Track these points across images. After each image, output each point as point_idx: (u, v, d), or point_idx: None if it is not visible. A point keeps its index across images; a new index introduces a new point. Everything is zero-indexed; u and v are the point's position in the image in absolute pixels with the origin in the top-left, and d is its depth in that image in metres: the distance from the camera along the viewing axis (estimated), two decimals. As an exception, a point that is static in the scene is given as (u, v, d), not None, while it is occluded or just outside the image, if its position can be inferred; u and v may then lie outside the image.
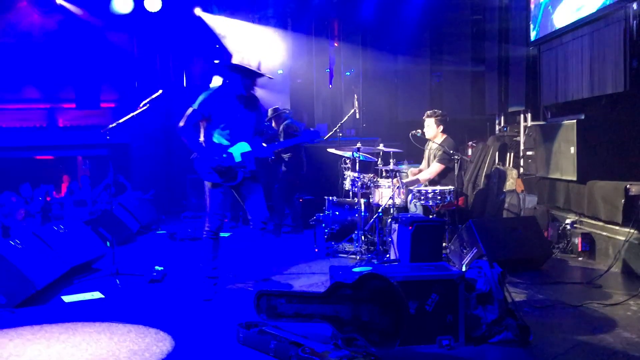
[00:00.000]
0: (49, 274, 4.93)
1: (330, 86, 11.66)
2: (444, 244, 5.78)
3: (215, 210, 4.78)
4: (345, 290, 3.45)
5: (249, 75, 4.80)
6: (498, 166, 8.12)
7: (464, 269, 5.23)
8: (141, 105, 5.49)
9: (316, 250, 6.44)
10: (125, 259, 6.20)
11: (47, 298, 4.80)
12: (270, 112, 7.97)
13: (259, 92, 5.10)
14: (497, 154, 8.33)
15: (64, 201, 9.73)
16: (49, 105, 11.42)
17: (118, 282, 5.23)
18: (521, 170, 7.95)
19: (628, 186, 5.23)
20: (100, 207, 9.13)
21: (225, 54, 11.03)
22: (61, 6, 9.46)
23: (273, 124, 7.97)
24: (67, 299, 4.82)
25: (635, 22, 5.49)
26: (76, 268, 5.44)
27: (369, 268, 3.89)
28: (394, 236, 5.55)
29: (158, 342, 3.74)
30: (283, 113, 8.06)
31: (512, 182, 7.69)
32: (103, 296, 4.89)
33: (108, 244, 6.15)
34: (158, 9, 9.67)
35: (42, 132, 11.31)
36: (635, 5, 5.44)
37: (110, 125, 5.47)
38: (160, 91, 5.51)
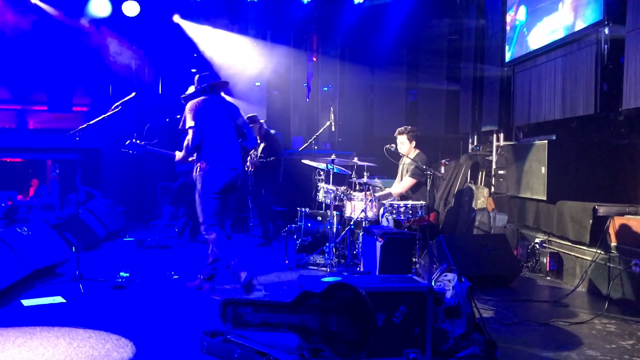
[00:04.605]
0: (9, 277, 4.76)
1: (308, 100, 11.68)
2: (414, 260, 5.78)
3: None
4: (313, 300, 3.40)
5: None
6: (470, 184, 8.18)
7: (433, 284, 5.22)
8: (113, 107, 5.41)
9: (287, 262, 6.37)
10: (90, 264, 6.08)
11: (6, 301, 4.64)
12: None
13: (236, 103, 5.12)
14: (469, 172, 8.39)
15: (31, 205, 9.51)
16: (20, 107, 11.20)
17: (81, 287, 5.09)
18: (492, 189, 8.01)
19: (596, 207, 5.29)
20: (68, 212, 8.92)
21: (203, 63, 10.97)
22: (36, 6, 9.30)
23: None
24: (26, 302, 4.66)
25: (606, 46, 5.59)
26: (39, 272, 5.29)
27: (338, 278, 3.85)
28: (365, 248, 5.53)
29: (119, 348, 3.63)
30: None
31: (483, 200, 7.75)
32: (65, 301, 4.74)
33: (73, 248, 6.01)
34: (136, 14, 9.59)
35: (11, 133, 11.08)
36: (606, 30, 5.55)
37: (81, 127, 5.37)
38: (134, 94, 5.44)
